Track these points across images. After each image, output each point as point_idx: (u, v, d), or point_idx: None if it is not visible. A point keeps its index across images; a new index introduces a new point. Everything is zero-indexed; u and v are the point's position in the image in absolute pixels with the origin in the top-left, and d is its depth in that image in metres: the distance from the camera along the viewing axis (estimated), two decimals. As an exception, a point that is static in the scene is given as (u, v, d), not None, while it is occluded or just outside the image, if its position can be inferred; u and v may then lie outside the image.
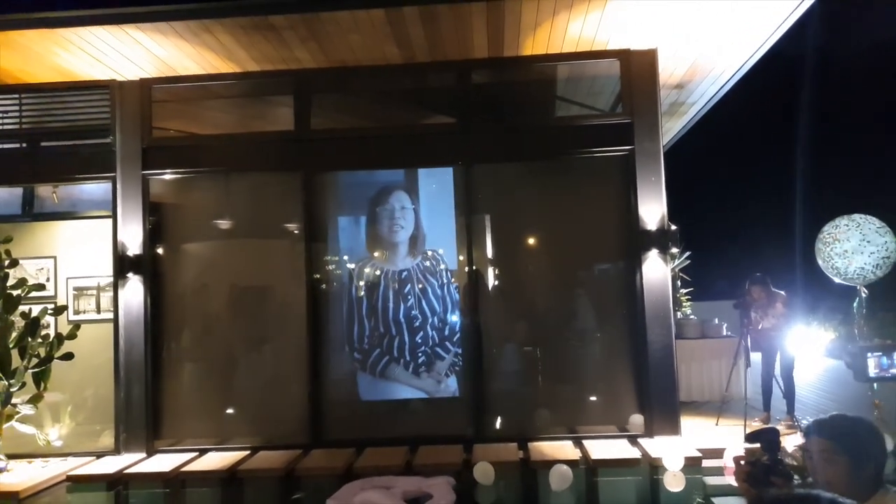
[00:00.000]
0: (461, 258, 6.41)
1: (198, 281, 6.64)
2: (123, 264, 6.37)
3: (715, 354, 7.88)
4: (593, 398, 6.36)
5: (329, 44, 5.89)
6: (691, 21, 5.68)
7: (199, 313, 6.63)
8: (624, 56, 6.31)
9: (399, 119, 7.06)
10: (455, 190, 6.47)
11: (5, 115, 6.57)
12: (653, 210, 6.19)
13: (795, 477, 4.99)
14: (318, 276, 6.45)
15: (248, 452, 6.12)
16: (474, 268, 6.39)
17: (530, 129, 6.55)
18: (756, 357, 7.17)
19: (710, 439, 6.10)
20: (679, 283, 8.70)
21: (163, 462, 5.91)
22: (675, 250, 6.90)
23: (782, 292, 6.84)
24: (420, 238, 6.49)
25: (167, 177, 6.61)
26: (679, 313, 8.52)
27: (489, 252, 6.53)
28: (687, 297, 8.83)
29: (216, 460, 5.93)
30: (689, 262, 8.86)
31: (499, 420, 6.33)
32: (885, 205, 7.29)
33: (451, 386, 6.37)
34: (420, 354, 6.38)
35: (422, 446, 5.98)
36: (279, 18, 5.43)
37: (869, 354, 6.10)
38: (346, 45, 5.94)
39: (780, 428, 6.47)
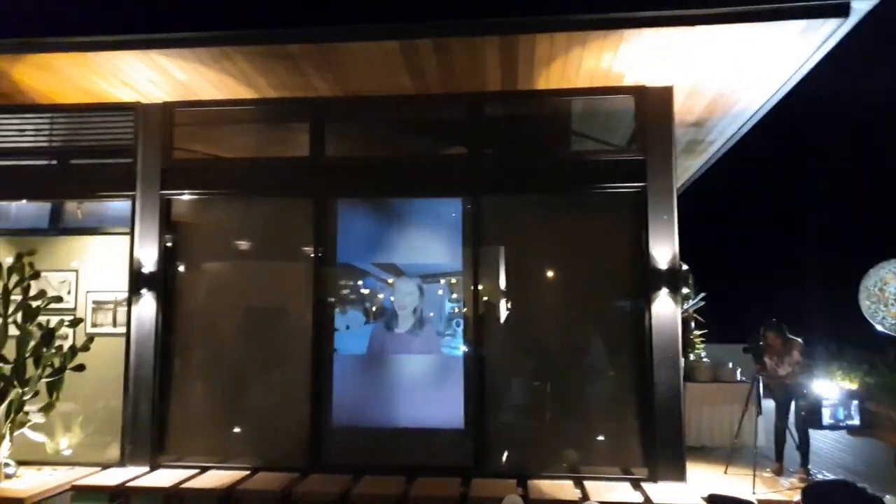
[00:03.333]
0: (468, 289, 6.39)
1: (209, 300, 6.77)
2: (138, 281, 6.56)
3: (727, 399, 7.66)
4: (597, 438, 6.23)
5: (344, 73, 6.01)
6: (708, 59, 5.62)
7: (208, 332, 6.74)
8: (639, 92, 6.27)
9: (411, 149, 7.11)
10: (463, 220, 6.48)
11: (38, 133, 6.89)
12: (664, 249, 6.09)
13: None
14: (325, 302, 6.51)
15: (247, 472, 6.18)
16: (481, 299, 6.36)
17: (542, 162, 6.52)
18: (769, 405, 6.93)
19: (717, 488, 5.90)
20: (693, 324, 8.50)
21: (165, 477, 6.01)
22: (686, 290, 6.75)
23: (799, 339, 6.63)
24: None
25: (185, 197, 6.80)
26: (692, 355, 8.31)
27: (496, 284, 6.49)
28: (701, 338, 8.62)
29: (216, 478, 5.99)
30: (703, 303, 8.65)
31: (499, 454, 6.24)
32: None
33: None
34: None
35: (419, 477, 5.94)
36: (296, 48, 5.57)
37: (823, 402, 5.82)
38: (361, 76, 6.05)
39: (794, 481, 6.29)
